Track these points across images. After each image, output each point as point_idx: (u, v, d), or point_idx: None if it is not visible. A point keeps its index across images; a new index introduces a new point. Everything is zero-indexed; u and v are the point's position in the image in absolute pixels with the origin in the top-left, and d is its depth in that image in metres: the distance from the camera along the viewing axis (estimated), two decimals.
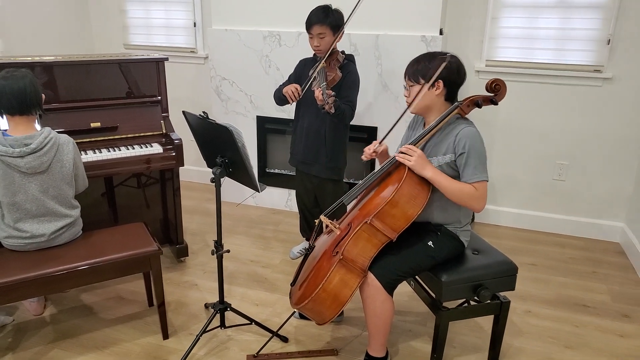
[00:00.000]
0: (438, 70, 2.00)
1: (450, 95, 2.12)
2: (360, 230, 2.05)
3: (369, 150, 2.21)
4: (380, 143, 2.23)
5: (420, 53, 2.17)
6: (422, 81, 2.09)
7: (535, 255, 3.49)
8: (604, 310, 2.85)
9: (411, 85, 2.14)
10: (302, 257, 2.36)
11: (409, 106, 2.13)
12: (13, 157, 2.13)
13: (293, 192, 3.92)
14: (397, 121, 2.20)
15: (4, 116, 2.22)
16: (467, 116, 2.12)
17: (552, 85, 3.55)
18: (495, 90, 2.08)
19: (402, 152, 2.06)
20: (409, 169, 2.03)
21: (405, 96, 2.20)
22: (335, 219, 2.30)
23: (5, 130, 2.22)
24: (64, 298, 2.84)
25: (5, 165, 2.14)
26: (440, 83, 2.08)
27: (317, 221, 2.33)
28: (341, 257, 2.04)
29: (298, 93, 2.81)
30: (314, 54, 2.92)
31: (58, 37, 4.28)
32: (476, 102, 2.08)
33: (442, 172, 2.06)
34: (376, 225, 2.03)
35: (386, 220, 2.04)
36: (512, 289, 2.22)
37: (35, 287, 2.20)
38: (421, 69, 2.10)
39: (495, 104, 2.09)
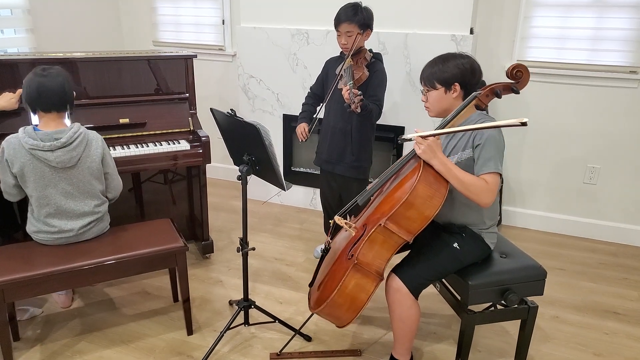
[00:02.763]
0: None
1: (467, 95, 2.07)
2: (375, 233, 1.98)
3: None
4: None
5: (449, 52, 2.14)
6: (439, 86, 2.06)
7: (563, 260, 3.41)
8: (636, 318, 2.77)
9: (428, 91, 2.11)
10: (320, 257, 2.34)
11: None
12: (43, 150, 2.16)
13: (318, 190, 3.91)
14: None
15: (37, 113, 2.26)
16: (494, 115, 2.08)
17: (585, 86, 3.47)
18: (517, 78, 1.96)
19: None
20: (422, 167, 1.95)
21: (423, 101, 2.17)
22: (352, 216, 2.27)
23: (36, 125, 2.26)
24: (91, 292, 2.89)
25: (36, 159, 2.18)
26: (457, 86, 2.04)
27: (332, 222, 2.31)
28: (356, 261, 1.99)
29: (306, 132, 2.95)
30: (341, 52, 2.90)
31: (88, 33, 4.35)
32: (495, 92, 1.97)
33: (456, 166, 1.98)
34: (391, 227, 1.96)
35: (401, 222, 1.96)
36: (541, 293, 2.17)
37: (63, 281, 2.23)
38: (436, 72, 2.06)
39: (517, 92, 1.98)
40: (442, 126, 2.03)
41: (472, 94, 2.01)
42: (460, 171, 1.96)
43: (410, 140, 2.06)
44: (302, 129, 2.98)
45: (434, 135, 1.96)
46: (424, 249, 2.09)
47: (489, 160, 1.96)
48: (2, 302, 2.13)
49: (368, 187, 2.22)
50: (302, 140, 2.97)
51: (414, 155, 2.05)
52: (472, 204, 2.07)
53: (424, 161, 1.96)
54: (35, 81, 2.20)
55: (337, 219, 2.22)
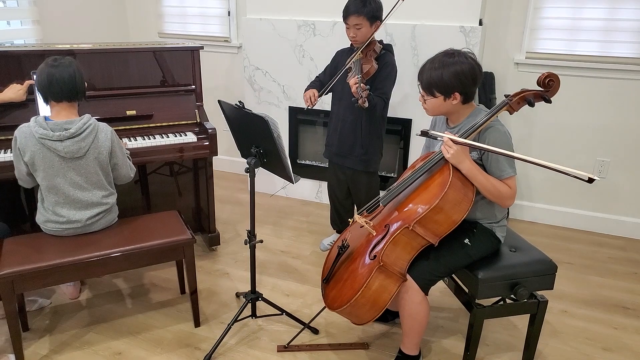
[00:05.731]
0: None
1: (468, 98, 2.04)
2: (400, 235, 1.99)
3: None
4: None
5: (457, 44, 2.10)
6: (438, 94, 2.01)
7: (572, 254, 3.39)
8: None
9: (427, 98, 2.06)
10: (336, 254, 2.28)
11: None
12: (52, 140, 2.17)
13: (324, 183, 3.90)
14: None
15: (49, 102, 2.26)
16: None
17: (595, 78, 3.43)
18: (549, 86, 1.93)
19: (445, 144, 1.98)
20: (453, 172, 1.94)
21: (421, 101, 2.12)
22: (365, 211, 2.26)
23: (48, 115, 2.26)
24: (99, 283, 2.89)
25: (46, 149, 2.18)
26: (457, 94, 1.99)
27: (351, 220, 2.29)
28: (381, 263, 1.98)
29: (315, 98, 2.85)
30: (351, 44, 2.87)
31: (94, 25, 4.33)
32: (528, 100, 1.94)
33: (482, 171, 1.98)
34: (418, 231, 1.96)
35: (429, 225, 1.97)
36: (551, 288, 2.16)
37: (71, 272, 2.24)
38: (435, 79, 1.99)
39: (548, 101, 1.95)
40: (470, 132, 1.98)
41: (504, 100, 1.97)
42: (486, 176, 1.98)
43: (435, 138, 2.04)
44: (311, 93, 2.86)
45: (465, 143, 1.93)
46: (434, 245, 2.07)
47: (505, 165, 1.98)
48: (12, 292, 2.13)
49: (392, 187, 2.18)
50: (308, 107, 2.87)
51: (441, 157, 2.01)
52: (483, 200, 2.06)
53: (452, 165, 1.96)
54: (46, 71, 2.21)
55: (357, 217, 2.22)
